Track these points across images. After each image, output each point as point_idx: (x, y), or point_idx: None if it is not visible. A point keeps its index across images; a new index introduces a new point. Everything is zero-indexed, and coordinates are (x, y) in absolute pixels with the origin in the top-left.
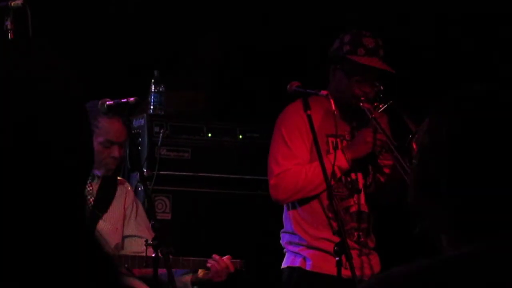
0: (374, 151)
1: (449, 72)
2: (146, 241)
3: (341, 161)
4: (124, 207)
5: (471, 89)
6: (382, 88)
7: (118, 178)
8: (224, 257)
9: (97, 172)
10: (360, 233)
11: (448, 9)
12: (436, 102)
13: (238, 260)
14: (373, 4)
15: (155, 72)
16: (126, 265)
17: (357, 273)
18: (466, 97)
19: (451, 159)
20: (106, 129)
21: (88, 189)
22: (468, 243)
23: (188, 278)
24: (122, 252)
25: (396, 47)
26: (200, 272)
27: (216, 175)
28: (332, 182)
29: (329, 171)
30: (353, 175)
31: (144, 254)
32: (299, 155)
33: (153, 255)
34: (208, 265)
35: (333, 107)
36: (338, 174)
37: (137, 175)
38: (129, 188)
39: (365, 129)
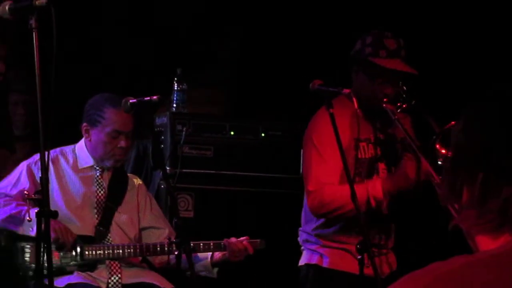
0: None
1: (472, 73)
2: (169, 239)
3: (378, 193)
4: (138, 200)
5: (505, 89)
6: (404, 88)
7: (128, 174)
8: (242, 238)
9: (106, 163)
10: (382, 236)
11: (473, 8)
12: (470, 102)
13: (257, 240)
14: (394, 3)
15: (178, 70)
16: (147, 255)
17: None
18: (500, 96)
19: (486, 158)
20: (113, 119)
21: (99, 180)
22: (509, 239)
23: (208, 261)
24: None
25: (418, 47)
26: (218, 254)
27: (239, 173)
28: (365, 210)
29: (364, 197)
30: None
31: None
32: (334, 166)
33: (176, 253)
34: (225, 244)
35: (356, 106)
36: (373, 204)
37: (159, 173)
38: (140, 182)
39: (408, 162)
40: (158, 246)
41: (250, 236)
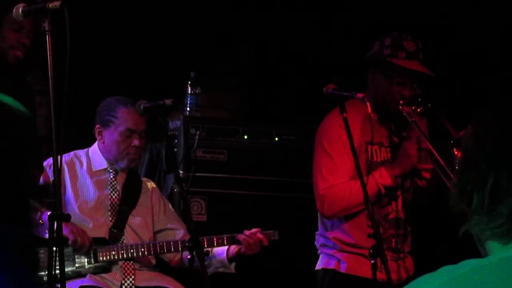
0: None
1: (487, 76)
2: (183, 242)
3: (386, 179)
4: (152, 204)
5: None
6: (421, 91)
7: (142, 178)
8: (254, 230)
9: (121, 164)
10: (398, 239)
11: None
12: (481, 106)
13: (270, 231)
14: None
15: (192, 74)
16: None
17: (393, 276)
18: (509, 100)
19: (497, 162)
20: (125, 118)
21: (113, 183)
22: None
23: (224, 256)
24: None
25: (435, 50)
26: (233, 248)
27: (252, 177)
28: (375, 199)
29: (374, 189)
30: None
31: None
32: (343, 168)
33: (189, 257)
34: (239, 238)
35: (370, 110)
36: (383, 191)
37: (173, 176)
38: (154, 185)
39: (407, 142)
40: (172, 243)
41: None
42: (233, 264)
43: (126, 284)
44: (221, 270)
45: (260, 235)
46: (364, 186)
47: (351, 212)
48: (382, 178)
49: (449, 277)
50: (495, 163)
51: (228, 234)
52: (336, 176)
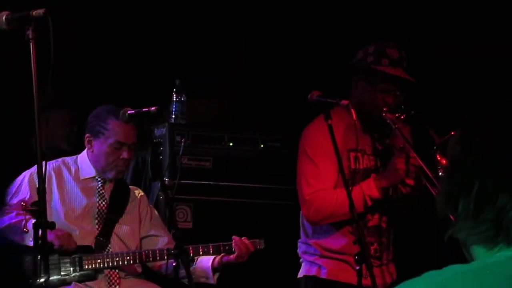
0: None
1: (470, 84)
2: (168, 249)
3: (373, 191)
4: (139, 211)
5: (503, 101)
6: (404, 98)
7: (130, 186)
8: (242, 238)
9: (108, 175)
10: (378, 247)
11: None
12: (467, 113)
13: (256, 240)
14: (393, 16)
15: (177, 81)
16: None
17: (378, 281)
18: (497, 109)
19: (483, 168)
20: (115, 130)
21: (101, 191)
22: (504, 248)
23: (208, 265)
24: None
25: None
26: (217, 258)
27: (237, 184)
28: (362, 210)
29: (361, 199)
30: None
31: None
32: (327, 173)
33: (174, 264)
34: (234, 244)
35: (354, 117)
36: (369, 203)
37: (158, 184)
38: (142, 193)
39: (397, 156)
40: (158, 252)
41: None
42: (216, 275)
43: None
44: (202, 280)
45: (247, 242)
46: (349, 193)
47: (336, 220)
48: (369, 189)
49: (433, 282)
50: (481, 169)
51: (214, 243)
52: (321, 182)
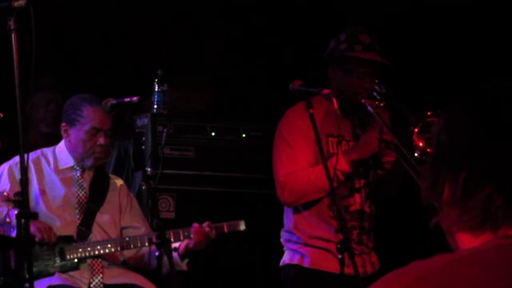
0: (378, 151)
1: (449, 67)
2: (150, 239)
3: (342, 165)
4: (120, 201)
5: (487, 88)
6: (381, 84)
7: (110, 175)
8: (204, 224)
9: (87, 162)
10: (360, 232)
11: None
12: (453, 99)
13: (235, 221)
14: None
15: (159, 71)
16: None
17: (359, 270)
18: (484, 94)
19: (471, 155)
20: (91, 116)
21: (80, 181)
22: (490, 236)
23: (175, 254)
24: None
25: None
26: (182, 245)
27: (220, 174)
28: (336, 185)
29: (331, 173)
30: (353, 174)
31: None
32: (303, 156)
33: (157, 254)
34: (192, 231)
35: (336, 106)
36: (342, 178)
37: (140, 174)
38: (122, 182)
39: (370, 130)
40: (139, 238)
41: (233, 236)
42: (185, 261)
43: (94, 282)
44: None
45: (206, 229)
46: (327, 171)
47: (311, 198)
48: (339, 163)
49: (423, 271)
50: (468, 157)
51: (176, 229)
52: (296, 164)
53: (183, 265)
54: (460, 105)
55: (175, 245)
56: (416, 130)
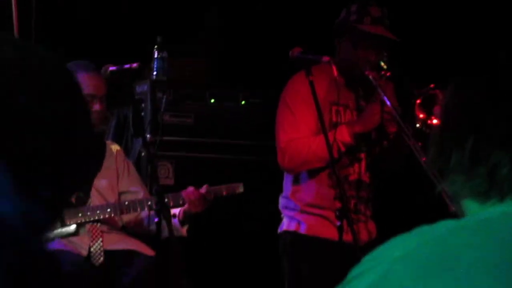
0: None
1: (453, 42)
2: (150, 205)
3: (345, 136)
4: (116, 166)
5: (498, 56)
6: (387, 56)
7: (106, 141)
8: (203, 187)
9: None
10: (358, 202)
11: None
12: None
13: (233, 184)
14: None
15: (158, 38)
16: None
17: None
18: (492, 63)
19: (480, 123)
20: (85, 83)
21: None
22: (496, 204)
23: (175, 220)
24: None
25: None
26: (180, 211)
27: (219, 140)
28: (336, 156)
29: (333, 145)
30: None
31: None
32: (305, 123)
33: (156, 220)
34: (183, 195)
35: (335, 73)
36: (343, 149)
37: (140, 140)
38: (118, 148)
39: (372, 103)
40: (138, 202)
41: (232, 203)
42: (185, 227)
43: (94, 247)
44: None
45: (203, 190)
46: (328, 141)
47: (312, 167)
48: (341, 135)
49: (427, 238)
50: (476, 124)
51: (173, 193)
52: (298, 130)
53: (183, 230)
54: (468, 74)
55: (174, 211)
56: (418, 101)
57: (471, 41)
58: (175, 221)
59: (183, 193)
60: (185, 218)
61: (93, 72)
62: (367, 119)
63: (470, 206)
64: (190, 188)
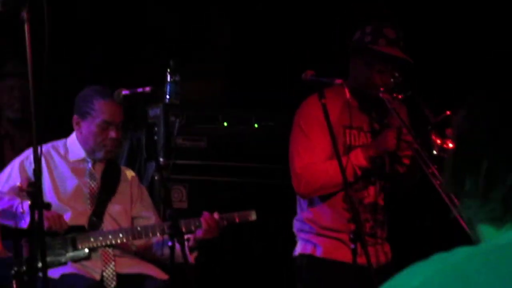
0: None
1: (467, 65)
2: (163, 229)
3: (360, 160)
4: (131, 192)
5: (509, 76)
6: (401, 78)
7: (121, 166)
8: (214, 214)
9: (98, 155)
10: (373, 225)
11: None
12: (475, 90)
13: (246, 212)
14: None
15: (171, 62)
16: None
17: (372, 260)
18: (504, 84)
19: (493, 145)
20: (102, 110)
21: (91, 172)
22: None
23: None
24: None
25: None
26: (193, 236)
27: (232, 163)
28: (352, 180)
29: (349, 169)
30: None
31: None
32: (320, 147)
33: (169, 244)
34: (202, 221)
35: (348, 95)
36: (359, 173)
37: (153, 164)
38: (133, 174)
39: (388, 129)
40: (150, 228)
41: (245, 227)
42: (194, 254)
43: (107, 271)
44: (181, 260)
45: (216, 217)
46: (342, 166)
47: (327, 192)
48: (357, 159)
49: (444, 265)
50: (491, 146)
51: (186, 219)
52: (313, 155)
53: (192, 258)
54: (482, 94)
55: (185, 236)
56: (434, 128)
57: (484, 63)
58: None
59: (202, 219)
60: (196, 245)
61: (110, 99)
62: (383, 142)
63: (486, 231)
64: (206, 214)
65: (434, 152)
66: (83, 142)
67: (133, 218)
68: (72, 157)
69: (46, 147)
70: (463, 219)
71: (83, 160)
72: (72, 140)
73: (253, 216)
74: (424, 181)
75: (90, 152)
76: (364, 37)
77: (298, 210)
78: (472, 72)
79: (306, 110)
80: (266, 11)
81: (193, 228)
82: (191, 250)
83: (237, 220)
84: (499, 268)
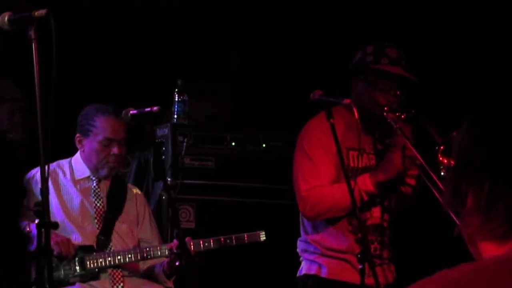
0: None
1: (470, 83)
2: (171, 249)
3: (368, 185)
4: (137, 210)
5: (509, 95)
6: (404, 98)
7: (127, 184)
8: (220, 237)
9: (101, 172)
10: (377, 246)
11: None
12: (475, 107)
13: (256, 232)
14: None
15: (179, 82)
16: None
17: (380, 280)
18: (506, 101)
19: (495, 162)
20: (103, 127)
21: (97, 191)
22: None
23: (160, 270)
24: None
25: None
26: (167, 262)
27: (240, 184)
28: (359, 205)
29: (356, 195)
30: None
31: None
32: (324, 170)
33: (177, 264)
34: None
35: (356, 116)
36: (365, 198)
37: (161, 184)
38: (139, 192)
39: (392, 149)
40: (159, 248)
41: (252, 249)
42: (172, 279)
43: None
44: (164, 284)
45: (222, 241)
46: (350, 190)
47: (333, 216)
48: (365, 184)
49: (445, 281)
50: (492, 164)
51: (214, 237)
52: (318, 178)
53: (170, 282)
54: (482, 113)
55: (161, 262)
56: (441, 148)
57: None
58: (160, 272)
59: (168, 246)
60: (170, 271)
61: (112, 116)
62: (390, 167)
63: (488, 248)
64: (174, 241)
65: (442, 173)
66: (86, 160)
67: (139, 240)
68: (77, 176)
69: (51, 166)
70: (464, 236)
71: (88, 178)
72: (77, 159)
73: (262, 237)
74: (428, 198)
75: (94, 170)
76: (366, 57)
77: (302, 231)
78: (474, 90)
79: (309, 132)
80: (275, 31)
81: (202, 247)
82: (168, 276)
83: (246, 241)
84: (499, 283)
